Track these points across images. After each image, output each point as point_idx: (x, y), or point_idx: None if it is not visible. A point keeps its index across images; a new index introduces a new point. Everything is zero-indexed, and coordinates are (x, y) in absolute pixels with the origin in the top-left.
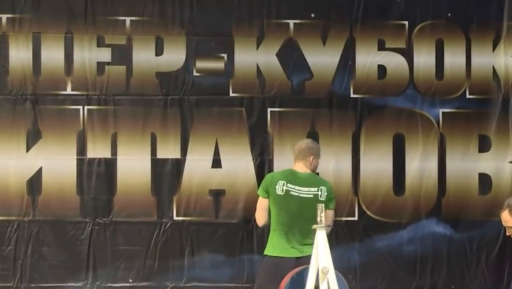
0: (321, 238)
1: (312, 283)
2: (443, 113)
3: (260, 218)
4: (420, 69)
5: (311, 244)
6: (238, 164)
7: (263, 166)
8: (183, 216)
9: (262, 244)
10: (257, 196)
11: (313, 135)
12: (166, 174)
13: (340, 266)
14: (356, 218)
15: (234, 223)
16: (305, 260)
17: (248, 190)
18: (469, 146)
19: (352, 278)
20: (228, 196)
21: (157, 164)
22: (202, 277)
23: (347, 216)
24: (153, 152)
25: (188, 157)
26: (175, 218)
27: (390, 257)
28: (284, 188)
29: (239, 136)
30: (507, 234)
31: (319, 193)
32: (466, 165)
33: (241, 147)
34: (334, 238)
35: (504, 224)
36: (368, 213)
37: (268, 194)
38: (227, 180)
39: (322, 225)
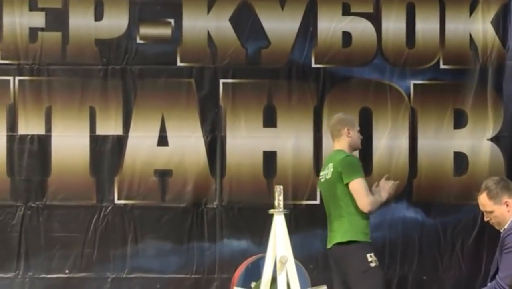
0: (278, 224)
1: (269, 274)
2: (415, 85)
3: None
4: (389, 37)
5: (337, 230)
6: (187, 141)
7: (214, 144)
8: (126, 199)
9: (213, 230)
10: (208, 177)
11: (270, 109)
12: (106, 153)
13: (300, 255)
14: (318, 202)
15: (182, 207)
16: (334, 250)
17: (197, 170)
18: (443, 121)
19: (314, 268)
20: (175, 177)
21: (96, 141)
22: (147, 267)
23: (308, 199)
24: (92, 128)
25: (131, 134)
26: (116, 201)
27: None
28: (321, 173)
29: (187, 110)
30: (485, 219)
31: (326, 171)
32: (440, 142)
33: (190, 123)
34: (293, 224)
35: (481, 208)
36: None
37: None
38: (175, 159)
39: (280, 210)
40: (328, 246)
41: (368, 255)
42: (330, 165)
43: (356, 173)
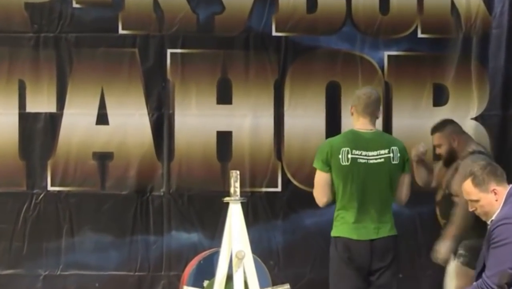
0: (235, 215)
1: (224, 271)
2: (389, 56)
3: (321, 196)
4: (360, 1)
5: (389, 222)
6: (130, 119)
7: (161, 123)
8: (60, 185)
9: (160, 221)
10: (153, 160)
11: (225, 84)
12: (38, 132)
13: (259, 249)
14: (279, 189)
15: (125, 194)
16: (382, 243)
17: (142, 152)
18: (422, 97)
19: (274, 265)
20: (117, 161)
21: (26, 120)
22: (84, 263)
23: (267, 186)
24: (22, 104)
25: (66, 111)
26: (49, 188)
27: (321, 238)
28: (349, 156)
29: (130, 85)
30: (470, 209)
31: (391, 155)
32: (418, 121)
33: (133, 98)
34: (251, 214)
35: (466, 196)
36: (294, 182)
37: (329, 166)
38: (116, 140)
39: (236, 198)
40: (374, 237)
41: None
42: (395, 148)
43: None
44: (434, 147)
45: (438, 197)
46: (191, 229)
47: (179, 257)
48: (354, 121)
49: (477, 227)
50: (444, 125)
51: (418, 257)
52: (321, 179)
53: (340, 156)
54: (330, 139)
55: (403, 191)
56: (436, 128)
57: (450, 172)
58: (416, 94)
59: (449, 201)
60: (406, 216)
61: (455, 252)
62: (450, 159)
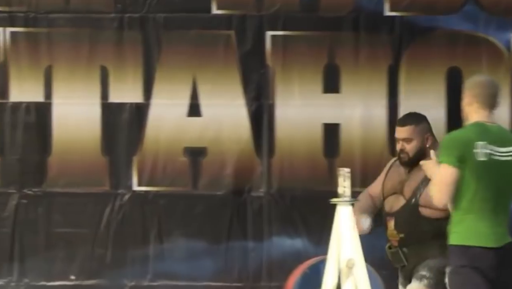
0: (344, 218)
1: (332, 282)
2: None
3: (445, 195)
4: None
5: (507, 226)
6: (225, 111)
7: (260, 114)
8: (147, 185)
9: (259, 225)
10: (252, 156)
11: (332, 69)
12: (122, 125)
13: (371, 257)
14: None
15: (220, 195)
16: (508, 250)
17: (239, 148)
18: None
19: (388, 275)
20: (210, 157)
21: (109, 111)
22: (175, 272)
23: None
24: (104, 93)
25: (153, 101)
26: (135, 188)
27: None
28: (486, 150)
29: (226, 71)
30: None
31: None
32: None
33: (228, 87)
34: None
35: None
36: None
37: (461, 162)
38: (210, 133)
39: (346, 199)
40: (502, 243)
41: None
42: None
43: None
44: (398, 141)
45: (396, 205)
46: (294, 233)
47: (281, 266)
48: (471, 112)
49: (439, 246)
50: (419, 119)
51: None
52: (449, 175)
53: (476, 151)
54: (457, 131)
55: None
56: (408, 120)
57: (419, 179)
58: None
59: (412, 211)
60: None
61: (416, 274)
62: (415, 161)
